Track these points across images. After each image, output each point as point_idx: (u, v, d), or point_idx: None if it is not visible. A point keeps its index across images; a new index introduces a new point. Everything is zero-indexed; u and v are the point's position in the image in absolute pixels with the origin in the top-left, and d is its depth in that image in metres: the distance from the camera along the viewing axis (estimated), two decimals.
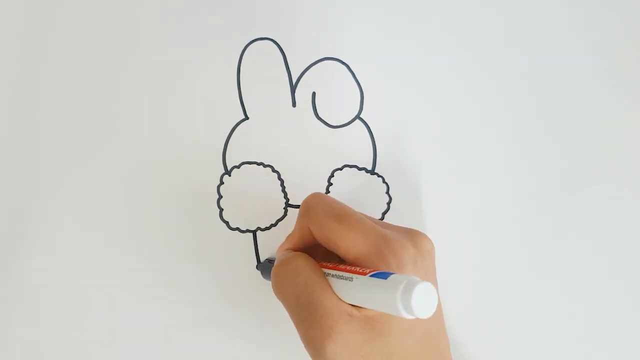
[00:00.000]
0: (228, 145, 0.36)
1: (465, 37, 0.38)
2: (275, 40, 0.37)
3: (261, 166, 0.36)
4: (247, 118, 0.36)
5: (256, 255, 0.35)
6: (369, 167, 0.37)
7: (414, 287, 0.22)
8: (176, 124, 0.36)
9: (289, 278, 0.28)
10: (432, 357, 0.28)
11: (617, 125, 0.38)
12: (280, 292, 0.28)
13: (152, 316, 0.35)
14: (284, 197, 0.36)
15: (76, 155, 0.36)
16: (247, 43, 0.37)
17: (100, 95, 0.36)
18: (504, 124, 0.38)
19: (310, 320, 0.26)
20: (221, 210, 0.36)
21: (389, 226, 0.30)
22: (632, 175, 0.38)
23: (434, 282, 0.30)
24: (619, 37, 0.39)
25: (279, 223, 0.36)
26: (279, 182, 0.36)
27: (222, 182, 0.36)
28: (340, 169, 0.36)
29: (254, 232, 0.36)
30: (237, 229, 0.36)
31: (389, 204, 0.36)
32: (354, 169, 0.36)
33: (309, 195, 0.31)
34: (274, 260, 0.33)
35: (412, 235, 0.28)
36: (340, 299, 0.26)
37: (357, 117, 0.37)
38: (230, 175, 0.36)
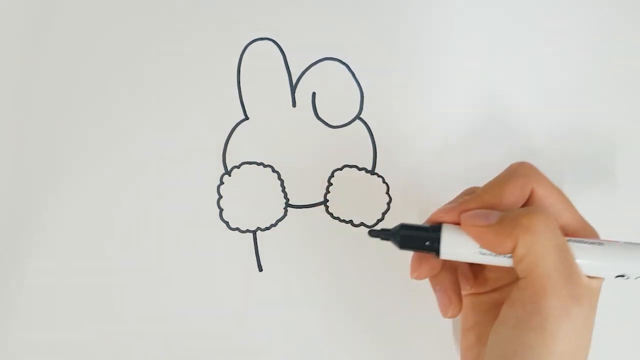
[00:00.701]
0: (228, 145, 0.36)
1: (465, 37, 0.38)
2: (275, 40, 0.37)
3: (261, 166, 0.36)
4: (247, 118, 0.36)
5: (256, 255, 0.35)
6: (369, 167, 0.37)
7: None
8: (176, 124, 0.36)
9: (551, 228, 0.26)
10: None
11: (617, 125, 0.38)
12: (537, 242, 0.26)
13: (152, 316, 0.35)
14: (284, 197, 0.36)
15: (76, 156, 0.36)
16: (247, 43, 0.37)
17: (100, 95, 0.36)
18: (504, 124, 0.38)
19: (566, 278, 0.25)
20: (221, 210, 0.36)
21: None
22: (632, 176, 0.38)
23: None
24: (623, 37, 0.39)
25: (279, 223, 0.36)
26: (279, 182, 0.36)
27: (222, 182, 0.36)
28: (340, 169, 0.36)
29: (254, 232, 0.36)
30: (237, 229, 0.36)
31: (389, 204, 0.36)
32: (354, 169, 0.36)
33: (524, 162, 0.29)
34: (413, 227, 0.29)
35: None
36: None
37: (357, 117, 0.37)
38: (230, 175, 0.36)
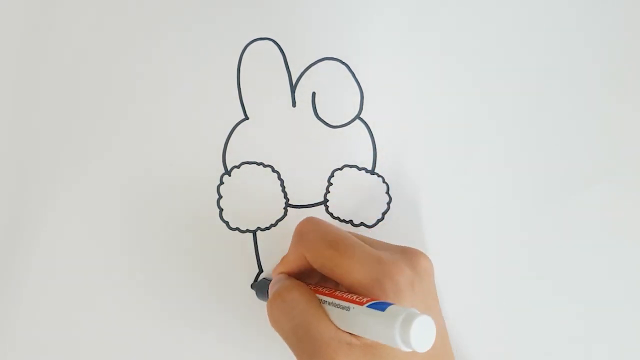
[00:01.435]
0: (228, 145, 0.36)
1: (465, 38, 0.38)
2: (275, 40, 0.37)
3: (261, 166, 0.36)
4: (247, 118, 0.36)
5: (256, 255, 0.35)
6: (369, 167, 0.37)
7: (412, 320, 0.22)
8: (176, 124, 0.36)
9: (285, 311, 0.27)
10: None
11: (617, 125, 0.38)
12: (277, 325, 0.28)
13: (152, 316, 0.35)
14: (284, 197, 0.36)
15: (76, 156, 0.36)
16: (247, 43, 0.37)
17: (100, 95, 0.36)
18: (504, 124, 0.38)
19: (309, 353, 0.26)
20: (221, 210, 0.36)
21: (386, 246, 0.29)
22: (633, 175, 0.38)
23: (434, 304, 0.30)
24: (622, 37, 0.39)
25: (279, 223, 0.36)
26: (279, 182, 0.36)
27: (222, 182, 0.36)
28: (340, 169, 0.36)
29: (254, 232, 0.36)
30: (237, 229, 0.36)
31: (389, 204, 0.36)
32: (354, 169, 0.36)
33: (302, 221, 0.30)
34: (266, 281, 0.33)
35: (409, 256, 0.28)
36: (338, 328, 0.26)
37: (357, 117, 0.37)
38: (230, 175, 0.36)
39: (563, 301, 0.37)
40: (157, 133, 0.36)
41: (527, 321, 0.36)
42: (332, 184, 0.36)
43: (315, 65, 0.37)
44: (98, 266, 0.35)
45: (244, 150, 0.36)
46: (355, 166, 0.36)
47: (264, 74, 0.37)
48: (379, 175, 0.37)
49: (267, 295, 0.32)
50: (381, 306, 0.24)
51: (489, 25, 0.38)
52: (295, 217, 0.36)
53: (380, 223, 0.36)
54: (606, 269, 0.37)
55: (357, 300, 0.25)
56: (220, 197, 0.36)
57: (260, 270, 0.35)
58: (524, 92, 0.38)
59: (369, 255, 0.27)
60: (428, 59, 0.37)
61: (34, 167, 0.35)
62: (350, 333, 0.26)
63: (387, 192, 0.36)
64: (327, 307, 0.27)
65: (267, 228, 0.36)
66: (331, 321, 0.26)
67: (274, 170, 0.36)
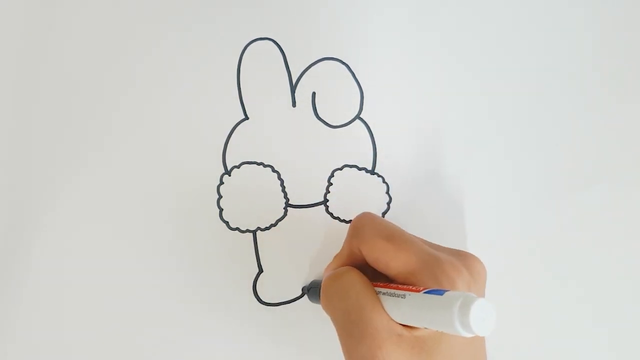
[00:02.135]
0: (228, 145, 0.36)
1: (465, 38, 0.38)
2: (275, 40, 0.37)
3: (261, 166, 0.36)
4: (247, 118, 0.36)
5: (256, 255, 0.35)
6: (369, 167, 0.37)
7: (472, 303, 0.21)
8: (176, 124, 0.36)
9: (340, 292, 0.27)
10: None
11: (617, 125, 0.38)
12: (330, 305, 0.28)
13: (151, 316, 0.35)
14: (284, 197, 0.36)
15: (76, 156, 0.36)
16: (247, 43, 0.37)
17: (100, 95, 0.36)
18: (504, 123, 0.38)
19: (358, 337, 0.26)
20: (221, 210, 0.36)
21: (440, 247, 0.29)
22: (633, 175, 0.38)
23: None
24: (622, 37, 0.39)
25: (279, 223, 0.36)
26: (279, 182, 0.36)
27: (222, 182, 0.36)
28: (340, 169, 0.36)
29: (254, 232, 0.36)
30: (237, 229, 0.36)
31: (389, 204, 0.36)
32: (354, 169, 0.36)
33: (358, 215, 0.30)
34: (318, 283, 0.33)
35: (465, 258, 0.28)
36: (390, 318, 0.26)
37: (357, 117, 0.37)
38: (230, 175, 0.36)
39: (563, 301, 0.37)
40: (157, 133, 0.36)
41: (526, 321, 0.36)
42: (332, 184, 0.36)
43: (315, 65, 0.37)
44: (98, 266, 0.35)
45: (244, 150, 0.36)
46: (355, 166, 0.36)
47: (264, 74, 0.37)
48: (379, 175, 0.37)
49: (319, 297, 0.31)
50: (439, 292, 0.23)
51: (489, 25, 0.38)
52: (295, 217, 0.36)
53: None
54: (606, 268, 0.37)
55: (413, 288, 0.25)
56: (220, 197, 0.36)
57: (260, 270, 0.35)
58: (524, 92, 0.38)
59: (426, 252, 0.27)
60: (428, 59, 0.37)
61: (34, 167, 0.35)
62: (402, 325, 0.26)
63: (387, 192, 0.36)
64: (382, 297, 0.26)
65: (267, 228, 0.36)
66: (384, 310, 0.26)
67: (274, 170, 0.36)
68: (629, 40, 0.39)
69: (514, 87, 0.38)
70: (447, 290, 0.23)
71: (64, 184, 0.35)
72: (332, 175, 0.36)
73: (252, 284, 0.35)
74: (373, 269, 0.29)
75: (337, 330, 0.28)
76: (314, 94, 0.37)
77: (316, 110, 0.37)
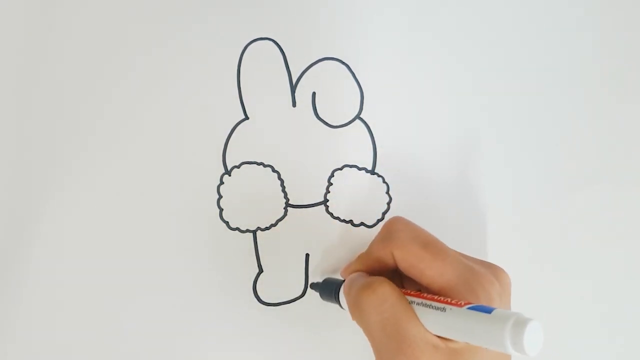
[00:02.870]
0: (228, 145, 0.36)
1: (466, 38, 0.38)
2: (275, 40, 0.37)
3: (261, 166, 0.36)
4: (247, 118, 0.36)
5: (256, 255, 0.35)
6: (369, 167, 0.37)
7: (526, 324, 0.22)
8: (176, 124, 0.36)
9: (374, 304, 0.27)
10: None
11: (617, 125, 0.38)
12: (363, 318, 0.28)
13: (151, 316, 0.35)
14: (284, 197, 0.36)
15: (76, 156, 0.36)
16: (247, 43, 0.37)
17: (100, 95, 0.36)
18: (504, 123, 0.38)
19: (395, 350, 0.25)
20: (221, 210, 0.36)
21: (469, 258, 0.29)
22: (633, 175, 0.38)
23: None
24: (622, 37, 0.39)
25: (279, 223, 0.36)
26: (279, 182, 0.36)
27: (222, 182, 0.36)
28: (340, 169, 0.36)
29: (254, 232, 0.36)
30: (237, 229, 0.36)
31: (389, 204, 0.36)
32: (354, 169, 0.36)
33: (392, 219, 0.30)
34: (332, 281, 0.33)
35: (494, 270, 0.28)
36: (426, 330, 0.26)
37: (357, 117, 0.37)
38: (230, 175, 0.36)
39: (562, 301, 0.37)
40: (157, 133, 0.36)
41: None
42: (332, 184, 0.36)
43: (315, 65, 0.37)
44: (98, 266, 0.35)
45: (244, 150, 0.36)
46: (355, 166, 0.36)
47: (264, 74, 0.37)
48: (379, 175, 0.37)
49: (335, 295, 0.31)
50: (486, 309, 0.23)
51: (489, 25, 0.38)
52: (295, 217, 0.36)
53: (380, 223, 0.36)
54: (606, 268, 0.37)
55: (453, 302, 0.25)
56: (220, 197, 0.36)
57: (260, 270, 0.35)
58: (524, 92, 0.38)
59: (461, 262, 0.27)
60: (428, 59, 0.37)
61: (34, 167, 0.35)
62: (438, 336, 0.25)
63: (387, 192, 0.36)
64: (416, 308, 0.26)
65: (267, 228, 0.36)
66: (420, 322, 0.26)
67: (274, 170, 0.36)
68: (629, 40, 0.39)
69: (514, 87, 0.38)
70: (493, 308, 0.23)
71: (64, 183, 0.35)
72: (332, 175, 0.36)
73: (252, 284, 0.35)
74: (399, 276, 0.29)
75: (372, 342, 0.27)
76: (314, 94, 0.37)
77: (316, 110, 0.37)
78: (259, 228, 0.36)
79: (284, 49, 0.37)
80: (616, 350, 0.37)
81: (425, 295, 0.27)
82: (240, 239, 0.36)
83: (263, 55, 0.37)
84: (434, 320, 0.25)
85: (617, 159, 0.38)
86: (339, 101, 0.37)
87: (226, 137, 0.36)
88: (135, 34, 0.36)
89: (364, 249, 0.36)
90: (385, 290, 0.27)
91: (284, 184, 0.36)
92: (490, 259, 0.37)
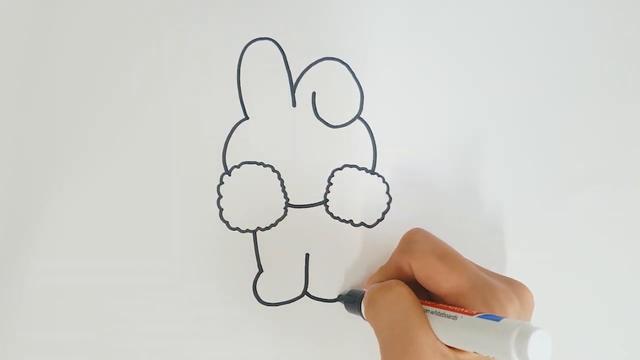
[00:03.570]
0: (228, 145, 0.36)
1: (465, 38, 0.38)
2: (275, 40, 0.37)
3: (261, 166, 0.36)
4: (247, 118, 0.36)
5: (256, 255, 0.35)
6: (369, 167, 0.37)
7: (531, 333, 0.21)
8: (176, 124, 0.36)
9: (387, 304, 0.27)
10: None
11: (617, 125, 0.38)
12: (376, 316, 0.28)
13: (151, 316, 0.35)
14: (284, 197, 0.36)
15: (76, 156, 0.36)
16: (247, 43, 0.37)
17: (100, 95, 0.36)
18: (504, 123, 0.38)
19: (401, 352, 0.25)
20: (221, 210, 0.36)
21: (491, 273, 0.29)
22: (632, 175, 0.38)
23: None
24: (622, 37, 0.39)
25: (279, 223, 0.36)
26: (279, 182, 0.36)
27: (222, 182, 0.36)
28: (340, 169, 0.36)
29: (254, 232, 0.36)
30: (237, 229, 0.36)
31: (389, 204, 0.36)
32: (354, 169, 0.36)
33: (411, 230, 0.30)
34: (357, 293, 0.33)
35: (516, 287, 0.28)
36: (436, 338, 0.25)
37: (357, 117, 0.37)
38: (230, 175, 0.36)
39: (562, 301, 0.37)
40: (157, 133, 0.36)
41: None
42: (332, 184, 0.36)
43: (315, 65, 0.37)
44: (98, 266, 0.35)
45: (244, 150, 0.36)
46: (355, 166, 0.36)
47: (264, 74, 0.37)
48: (379, 175, 0.37)
49: (358, 306, 0.32)
50: (494, 318, 0.23)
51: (489, 25, 0.38)
52: (295, 217, 0.36)
53: (380, 223, 0.36)
54: (606, 268, 0.37)
55: (465, 311, 0.25)
56: (220, 197, 0.36)
57: (260, 270, 0.35)
58: (524, 92, 0.38)
59: (479, 276, 0.27)
60: (428, 59, 0.37)
61: (34, 168, 0.35)
62: (447, 346, 0.25)
63: (387, 192, 0.36)
64: (429, 316, 0.26)
65: (267, 228, 0.36)
66: (431, 329, 0.26)
67: (274, 170, 0.36)
68: (629, 40, 0.39)
69: (514, 87, 0.38)
70: (502, 317, 0.23)
71: (64, 184, 0.35)
72: (332, 175, 0.36)
73: (252, 284, 0.35)
74: (419, 286, 0.29)
75: (380, 342, 0.27)
76: (314, 94, 0.37)
77: (316, 110, 0.37)
78: (259, 228, 0.36)
79: (284, 49, 0.37)
80: (616, 350, 0.37)
81: (439, 304, 0.27)
82: (240, 238, 0.36)
83: (263, 55, 0.37)
84: (445, 329, 0.25)
85: (617, 159, 0.38)
86: (338, 101, 0.37)
87: (226, 137, 0.36)
88: (136, 33, 0.36)
89: (364, 249, 0.36)
90: (401, 292, 0.27)
91: (284, 184, 0.36)
92: (490, 258, 0.37)
